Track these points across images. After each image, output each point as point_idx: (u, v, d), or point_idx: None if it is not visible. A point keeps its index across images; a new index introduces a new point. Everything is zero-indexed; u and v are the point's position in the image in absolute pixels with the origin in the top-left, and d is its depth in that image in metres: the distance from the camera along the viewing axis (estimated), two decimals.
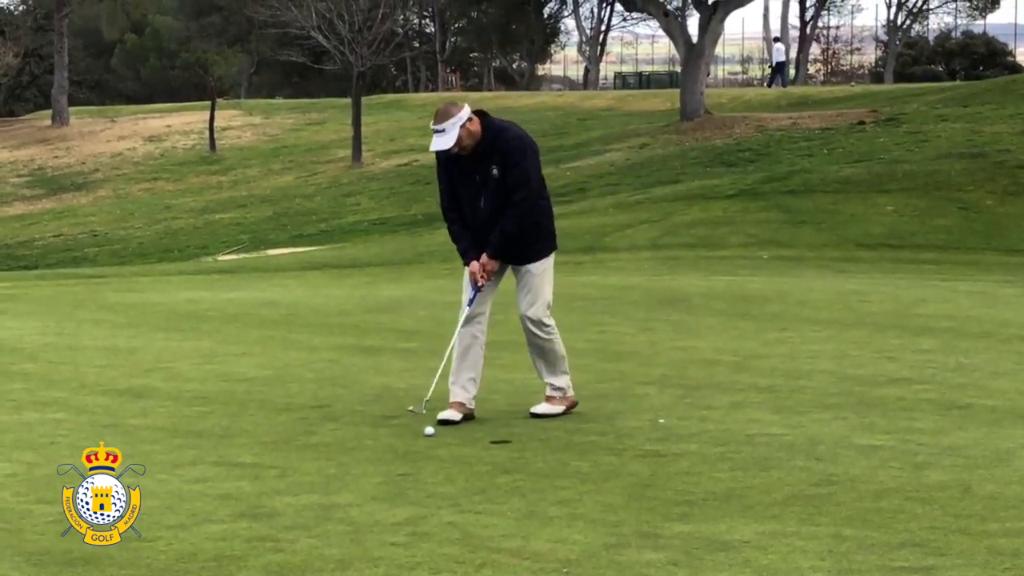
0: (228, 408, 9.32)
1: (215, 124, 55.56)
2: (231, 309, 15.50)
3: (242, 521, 6.44)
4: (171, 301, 16.67)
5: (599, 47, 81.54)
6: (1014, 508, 6.51)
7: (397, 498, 6.84)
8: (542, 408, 8.90)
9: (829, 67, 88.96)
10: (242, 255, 30.32)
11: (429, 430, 8.35)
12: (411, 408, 8.83)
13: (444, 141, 8.56)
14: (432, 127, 8.59)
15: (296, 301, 16.37)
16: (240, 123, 60.61)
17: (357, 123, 48.55)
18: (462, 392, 8.81)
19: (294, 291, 18.20)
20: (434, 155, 8.82)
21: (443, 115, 8.56)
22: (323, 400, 9.54)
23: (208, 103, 57.88)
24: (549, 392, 8.97)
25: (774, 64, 64.49)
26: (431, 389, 8.81)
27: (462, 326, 8.86)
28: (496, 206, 8.69)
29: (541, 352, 8.95)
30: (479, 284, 8.78)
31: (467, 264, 8.84)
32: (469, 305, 8.83)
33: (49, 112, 68.17)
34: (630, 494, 6.85)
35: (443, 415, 8.66)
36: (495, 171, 8.64)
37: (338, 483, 7.17)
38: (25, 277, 24.67)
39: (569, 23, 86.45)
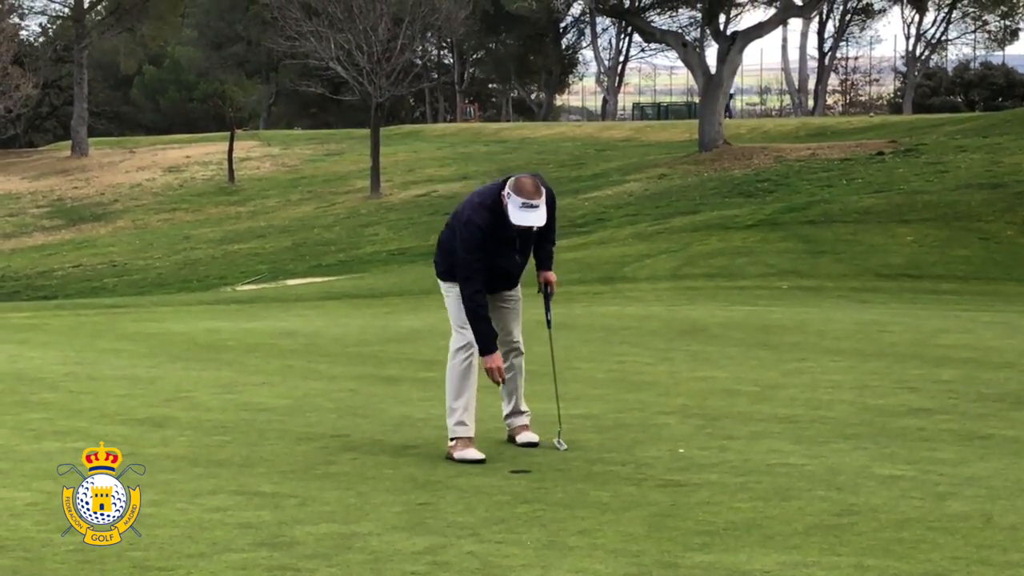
0: (248, 437, 9.32)
1: (234, 155, 55.80)
2: (250, 339, 15.52)
3: (262, 550, 6.44)
4: (191, 331, 16.69)
5: (617, 78, 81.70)
6: None
7: (417, 527, 6.83)
8: (534, 437, 8.86)
9: (848, 98, 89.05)
10: (261, 285, 30.39)
11: (561, 445, 8.57)
12: (557, 444, 8.70)
13: (538, 216, 8.28)
14: (526, 201, 8.19)
15: (315, 331, 16.38)
16: (259, 154, 60.87)
17: (376, 154, 48.71)
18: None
19: (313, 321, 18.21)
20: (477, 226, 8.29)
21: (534, 190, 8.23)
22: (342, 430, 9.53)
23: (227, 134, 58.15)
24: (525, 421, 8.95)
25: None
26: (559, 418, 8.91)
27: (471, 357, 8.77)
28: (527, 252, 8.67)
29: (521, 376, 8.93)
30: (501, 381, 8.61)
31: (491, 353, 8.46)
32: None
33: (69, 143, 68.65)
34: (650, 524, 6.83)
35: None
36: (536, 228, 8.44)
37: (358, 512, 7.16)
38: (45, 307, 24.72)
39: (587, 54, 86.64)
